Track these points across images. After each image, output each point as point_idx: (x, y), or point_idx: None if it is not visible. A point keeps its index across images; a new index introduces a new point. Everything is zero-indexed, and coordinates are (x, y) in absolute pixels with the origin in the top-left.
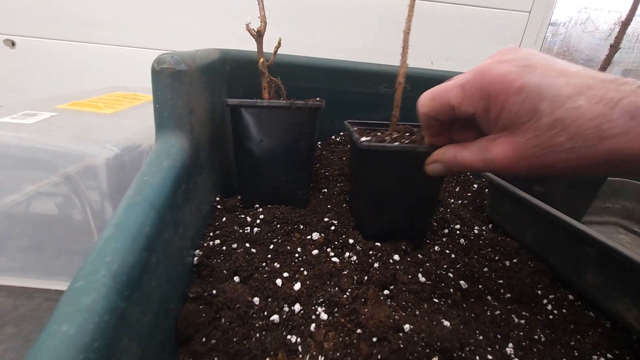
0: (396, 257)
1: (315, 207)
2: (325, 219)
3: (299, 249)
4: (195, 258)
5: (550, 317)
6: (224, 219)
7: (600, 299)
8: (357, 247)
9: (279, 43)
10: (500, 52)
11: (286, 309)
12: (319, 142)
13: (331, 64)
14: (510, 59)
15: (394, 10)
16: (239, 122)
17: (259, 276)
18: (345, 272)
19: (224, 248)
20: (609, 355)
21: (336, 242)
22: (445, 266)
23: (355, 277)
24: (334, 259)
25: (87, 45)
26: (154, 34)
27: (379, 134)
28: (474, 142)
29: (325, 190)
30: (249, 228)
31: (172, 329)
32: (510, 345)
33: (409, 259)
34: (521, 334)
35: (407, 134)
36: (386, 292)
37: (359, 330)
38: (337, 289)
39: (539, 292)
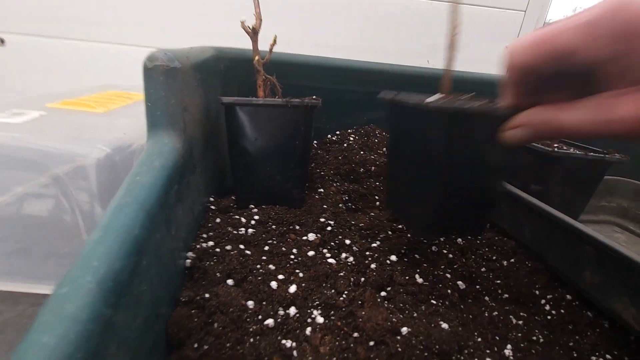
0: (393, 257)
1: (311, 207)
2: (322, 219)
3: (294, 250)
4: (188, 260)
5: (549, 317)
6: (218, 220)
7: (599, 298)
8: (354, 247)
9: (275, 41)
10: None
11: (281, 312)
12: (315, 142)
13: (327, 62)
14: None
15: (382, 7)
16: (233, 120)
17: (253, 279)
18: (341, 274)
19: (218, 250)
20: (607, 356)
21: (332, 243)
22: (442, 267)
23: (351, 279)
24: (330, 260)
25: (82, 44)
26: (152, 33)
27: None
28: (584, 100)
29: (322, 190)
30: (243, 229)
31: (162, 334)
32: (509, 347)
33: (406, 260)
34: (519, 335)
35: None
36: (383, 293)
37: (355, 334)
38: (333, 291)
39: (537, 292)
